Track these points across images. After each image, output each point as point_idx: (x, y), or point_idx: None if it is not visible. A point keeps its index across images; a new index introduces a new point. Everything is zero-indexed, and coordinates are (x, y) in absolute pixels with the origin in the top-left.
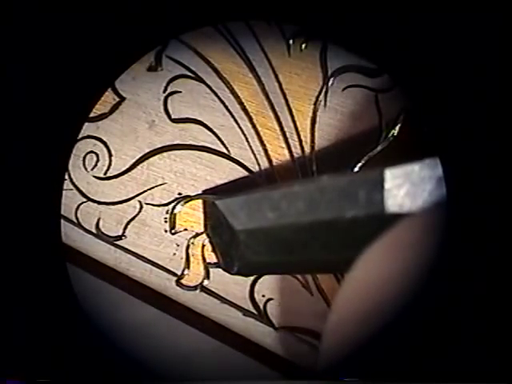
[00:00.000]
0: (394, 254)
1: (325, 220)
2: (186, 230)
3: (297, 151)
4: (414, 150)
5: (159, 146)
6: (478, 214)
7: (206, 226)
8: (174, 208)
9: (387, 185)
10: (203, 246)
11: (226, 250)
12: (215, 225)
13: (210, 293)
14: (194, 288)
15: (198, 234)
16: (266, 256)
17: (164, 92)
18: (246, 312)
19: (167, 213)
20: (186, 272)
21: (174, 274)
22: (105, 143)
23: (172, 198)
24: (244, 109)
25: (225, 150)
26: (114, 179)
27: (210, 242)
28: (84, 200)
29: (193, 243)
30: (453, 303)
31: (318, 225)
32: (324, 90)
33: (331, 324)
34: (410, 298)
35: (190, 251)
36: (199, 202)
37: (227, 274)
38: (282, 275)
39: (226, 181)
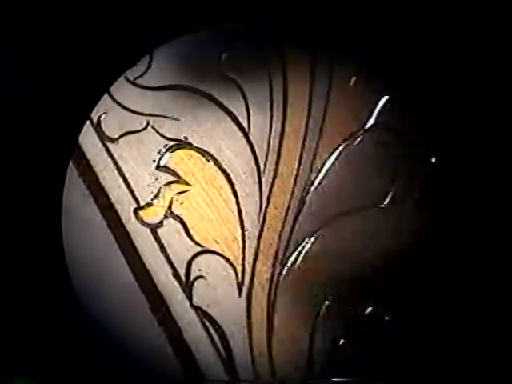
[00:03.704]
0: None
1: None
2: (173, 172)
3: (305, 168)
4: None
5: None
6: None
7: None
8: (167, 150)
9: None
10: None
11: None
12: None
13: (156, 238)
14: (147, 225)
15: (181, 192)
16: None
17: None
18: (175, 273)
19: (165, 147)
20: (148, 205)
21: (137, 202)
22: None
23: (177, 137)
24: (284, 108)
25: (246, 127)
26: None
27: None
28: None
29: (170, 189)
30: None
31: None
32: (360, 133)
33: None
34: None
35: (163, 191)
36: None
37: (182, 231)
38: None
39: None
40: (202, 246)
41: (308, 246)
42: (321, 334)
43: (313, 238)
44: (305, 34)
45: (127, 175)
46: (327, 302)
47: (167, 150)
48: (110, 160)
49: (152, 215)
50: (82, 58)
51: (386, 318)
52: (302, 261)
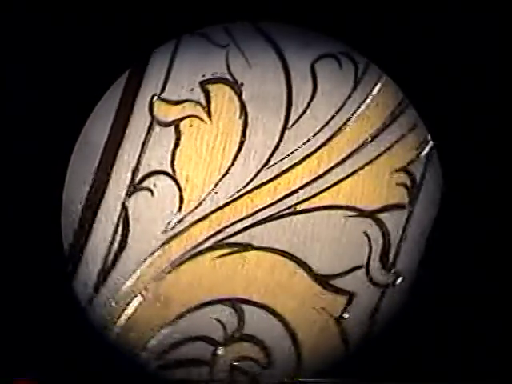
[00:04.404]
0: None
1: None
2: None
3: (300, 195)
4: None
5: None
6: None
7: None
8: (221, 78)
9: None
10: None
11: None
12: None
13: (148, 132)
14: (151, 115)
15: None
16: None
17: None
18: (135, 169)
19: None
20: (167, 102)
21: (161, 93)
22: None
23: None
24: (338, 131)
25: (292, 120)
26: None
27: None
28: None
29: (193, 107)
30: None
31: None
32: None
33: None
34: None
35: (186, 103)
36: None
37: (170, 147)
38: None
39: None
40: (173, 171)
41: (240, 253)
42: (166, 335)
43: (249, 254)
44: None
45: (174, 68)
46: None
47: (220, 79)
48: (172, 47)
49: (162, 112)
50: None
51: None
52: (221, 257)
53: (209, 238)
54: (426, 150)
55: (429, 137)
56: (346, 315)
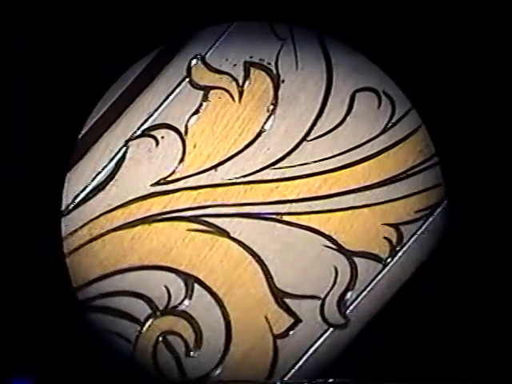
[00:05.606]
0: None
1: None
2: (245, 80)
3: (293, 207)
4: None
5: None
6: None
7: None
8: (265, 67)
9: None
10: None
11: None
12: None
13: (176, 85)
14: (187, 75)
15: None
16: None
17: None
18: (147, 121)
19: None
20: (208, 67)
21: (204, 55)
22: None
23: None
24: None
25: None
26: None
27: None
28: None
29: (229, 83)
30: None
31: None
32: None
33: None
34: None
35: (224, 76)
36: None
37: (193, 108)
38: None
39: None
40: (185, 133)
41: (213, 235)
42: (114, 280)
43: (221, 240)
44: None
45: (227, 39)
46: None
47: (265, 67)
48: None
49: (198, 73)
50: None
51: None
52: (194, 231)
53: (191, 208)
54: (428, 217)
55: (438, 205)
56: (291, 332)
